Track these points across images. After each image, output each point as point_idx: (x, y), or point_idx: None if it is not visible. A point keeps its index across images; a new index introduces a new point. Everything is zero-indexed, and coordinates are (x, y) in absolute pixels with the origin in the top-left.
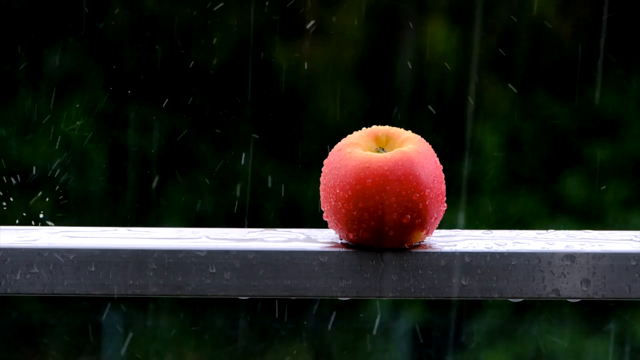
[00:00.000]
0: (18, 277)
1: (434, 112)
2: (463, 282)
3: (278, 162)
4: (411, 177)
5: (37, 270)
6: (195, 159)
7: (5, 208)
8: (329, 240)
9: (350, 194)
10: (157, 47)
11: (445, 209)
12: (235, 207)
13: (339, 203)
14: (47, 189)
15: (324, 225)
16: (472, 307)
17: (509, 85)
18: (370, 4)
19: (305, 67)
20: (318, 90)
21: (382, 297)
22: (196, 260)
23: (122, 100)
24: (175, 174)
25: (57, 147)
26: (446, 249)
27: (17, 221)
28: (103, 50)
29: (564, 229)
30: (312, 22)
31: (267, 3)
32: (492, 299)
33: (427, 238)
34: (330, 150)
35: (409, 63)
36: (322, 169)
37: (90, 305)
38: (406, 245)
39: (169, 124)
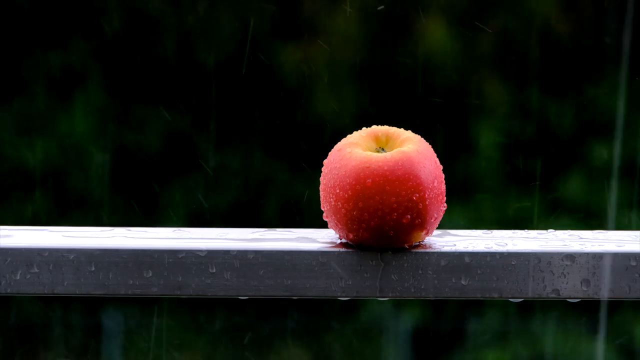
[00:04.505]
0: (18, 277)
1: (434, 112)
2: (463, 282)
3: (278, 162)
4: (411, 177)
5: (37, 270)
6: (195, 158)
7: (5, 208)
8: (329, 240)
9: (350, 194)
10: (157, 46)
11: (445, 209)
12: (235, 207)
13: (339, 203)
14: (47, 189)
15: (324, 225)
16: (472, 307)
17: (509, 84)
18: (370, 4)
19: (305, 66)
20: (318, 90)
21: (382, 297)
22: (196, 260)
23: (122, 100)
24: (175, 174)
25: (57, 147)
26: (446, 249)
27: (17, 221)
28: (103, 50)
29: (564, 229)
30: (311, 22)
31: (267, 2)
32: (492, 299)
33: (427, 238)
34: (330, 151)
35: (408, 63)
36: (322, 169)
37: (90, 305)
38: (406, 245)
39: (168, 123)
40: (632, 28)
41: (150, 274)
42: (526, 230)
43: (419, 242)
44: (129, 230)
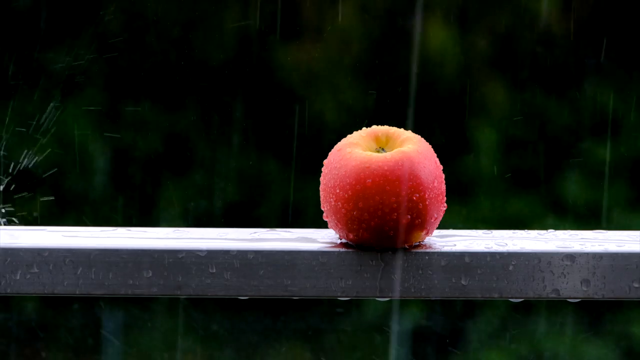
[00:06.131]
0: (18, 277)
1: (434, 112)
2: (463, 282)
3: (278, 162)
4: (411, 177)
5: (37, 270)
6: (195, 158)
7: (4, 208)
8: (329, 240)
9: (350, 194)
10: (156, 46)
11: (445, 209)
12: (235, 207)
13: (339, 203)
14: (47, 188)
15: (324, 225)
16: (471, 307)
17: (509, 84)
18: (370, 4)
19: (305, 66)
20: (318, 90)
21: (382, 297)
22: (196, 260)
23: (122, 100)
24: (174, 174)
25: (56, 146)
26: (446, 249)
27: (16, 221)
28: (102, 49)
29: (564, 229)
30: (311, 22)
31: (266, 2)
32: (492, 299)
33: (427, 238)
34: (330, 151)
35: (408, 62)
36: (322, 169)
37: (90, 305)
38: (406, 245)
39: (168, 123)
40: (632, 27)
41: (150, 274)
42: (526, 230)
43: (419, 242)
44: (129, 230)
